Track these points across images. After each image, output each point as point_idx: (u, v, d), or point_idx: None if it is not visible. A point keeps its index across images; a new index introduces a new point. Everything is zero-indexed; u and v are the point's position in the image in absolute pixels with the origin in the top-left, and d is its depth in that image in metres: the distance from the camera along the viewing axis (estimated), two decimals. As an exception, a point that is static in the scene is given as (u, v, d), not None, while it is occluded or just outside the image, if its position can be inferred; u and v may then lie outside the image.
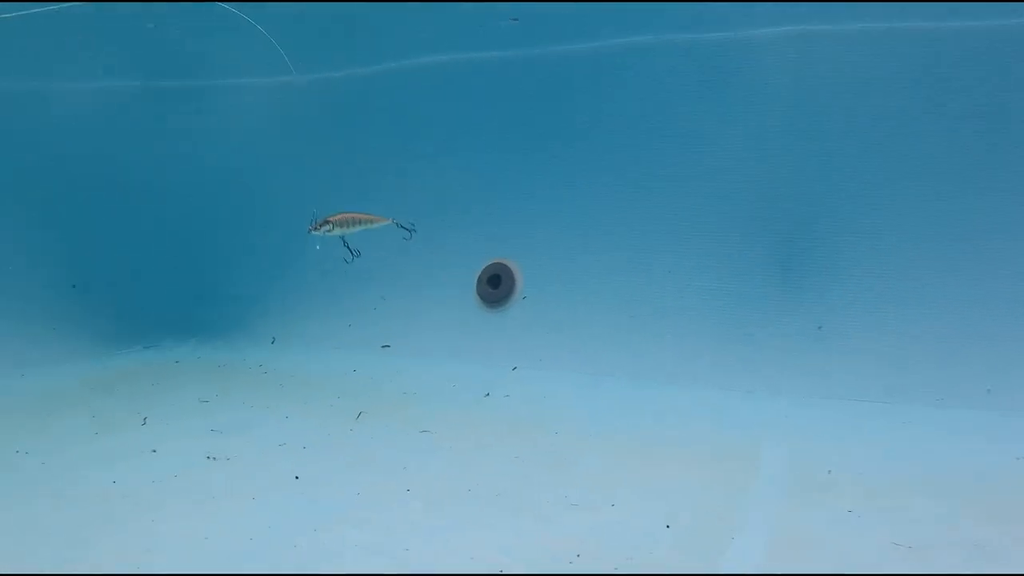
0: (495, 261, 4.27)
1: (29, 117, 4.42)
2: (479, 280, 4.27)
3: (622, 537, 2.38)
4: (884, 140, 3.60)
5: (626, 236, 4.06)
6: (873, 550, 2.29)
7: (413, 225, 2.57)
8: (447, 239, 4.40)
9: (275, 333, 4.59)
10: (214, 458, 3.10)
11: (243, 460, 3.10)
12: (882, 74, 3.60)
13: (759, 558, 2.27)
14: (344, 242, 2.44)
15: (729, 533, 2.40)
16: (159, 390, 4.02)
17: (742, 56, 3.83)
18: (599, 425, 3.38)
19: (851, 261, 3.64)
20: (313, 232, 2.42)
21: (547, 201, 4.21)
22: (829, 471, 2.81)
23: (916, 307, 3.50)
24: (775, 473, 2.85)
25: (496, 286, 4.22)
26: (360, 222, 2.45)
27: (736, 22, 3.82)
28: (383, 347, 4.30)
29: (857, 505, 2.55)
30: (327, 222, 2.44)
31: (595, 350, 3.96)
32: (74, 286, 4.46)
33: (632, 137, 4.05)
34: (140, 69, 4.56)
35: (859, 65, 3.64)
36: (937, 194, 3.52)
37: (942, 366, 3.39)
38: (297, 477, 2.88)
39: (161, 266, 4.69)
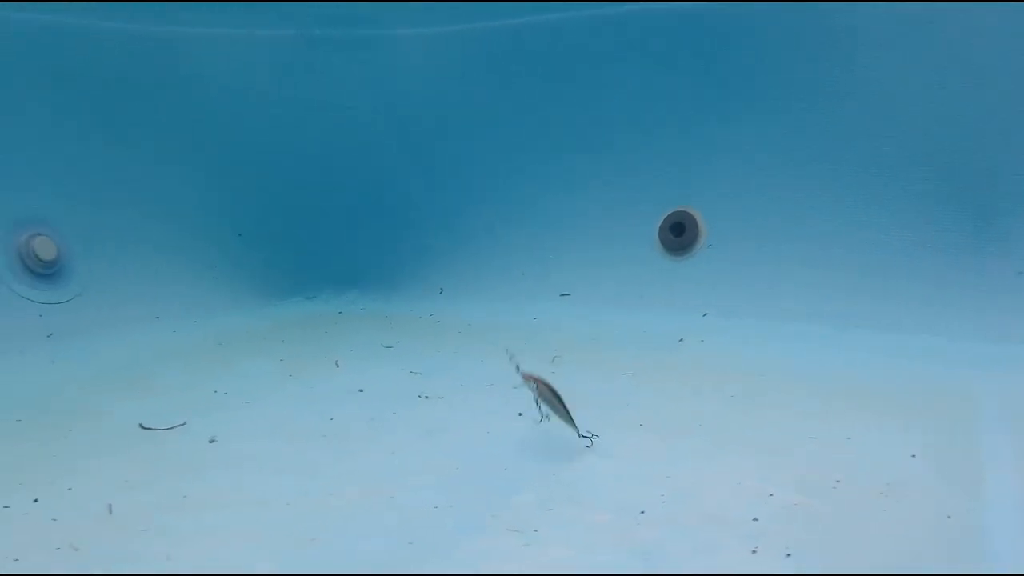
0: (678, 209, 4.06)
1: (191, 65, 4.32)
2: (661, 227, 4.08)
3: (874, 466, 2.26)
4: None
5: (816, 188, 3.86)
6: None
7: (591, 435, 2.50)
8: (625, 185, 4.23)
9: (442, 284, 4.42)
10: (427, 396, 2.98)
11: (457, 399, 2.98)
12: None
13: (1019, 481, 2.14)
14: (537, 404, 2.36)
15: (976, 461, 2.27)
16: (332, 337, 3.93)
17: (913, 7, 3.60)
18: (804, 368, 3.21)
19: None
20: (520, 374, 2.34)
21: (733, 148, 4.02)
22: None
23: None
24: (995, 410, 2.70)
25: (679, 234, 4.04)
26: (554, 408, 2.38)
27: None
28: (562, 295, 4.13)
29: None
30: (536, 380, 2.38)
31: (788, 298, 3.77)
32: (240, 235, 4.34)
33: (818, 90, 3.85)
34: (294, 17, 4.40)
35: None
36: None
37: None
38: (520, 414, 2.72)
39: (323, 216, 4.56)
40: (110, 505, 2.11)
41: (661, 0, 4.02)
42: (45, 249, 3.72)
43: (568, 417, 2.40)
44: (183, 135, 4.32)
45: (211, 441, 2.58)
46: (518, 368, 2.42)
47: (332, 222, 4.63)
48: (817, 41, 3.83)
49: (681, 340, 3.62)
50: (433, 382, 3.15)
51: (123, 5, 4.01)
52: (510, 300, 4.26)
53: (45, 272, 3.72)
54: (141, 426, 2.72)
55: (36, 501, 2.14)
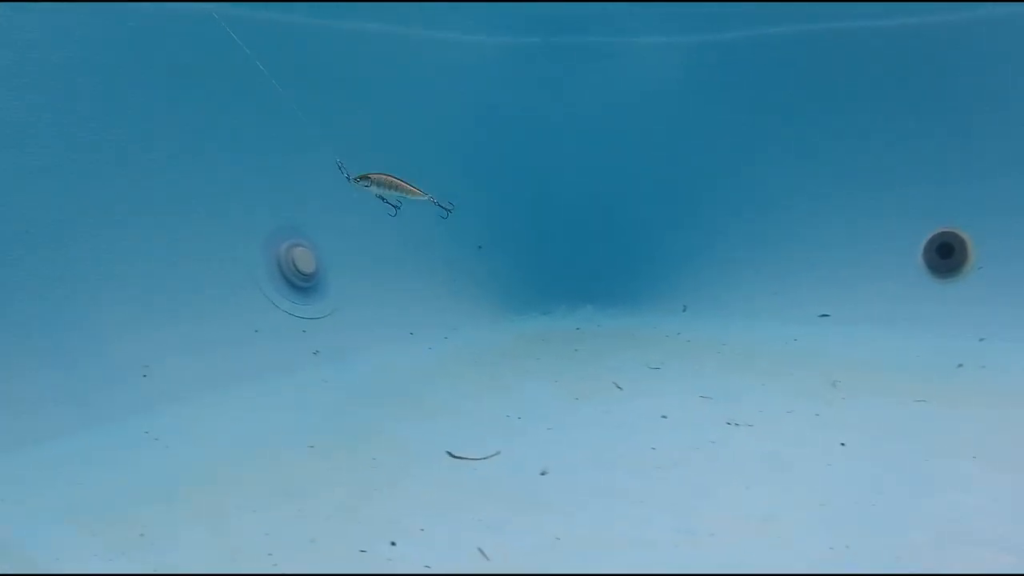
0: (944, 229, 3.92)
1: (422, 73, 4.26)
2: (926, 248, 3.96)
3: None
4: None
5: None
6: None
7: (451, 204, 2.66)
8: (886, 203, 4.10)
9: (686, 301, 4.31)
10: (736, 424, 2.90)
11: (768, 427, 2.89)
12: None
13: None
14: (383, 200, 2.56)
15: None
16: (588, 357, 3.90)
17: None
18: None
19: None
20: (352, 180, 2.57)
21: (1004, 166, 3.85)
22: None
23: None
24: None
25: (947, 255, 3.90)
26: (398, 188, 2.55)
27: None
28: (821, 316, 3.98)
29: None
30: (367, 177, 2.55)
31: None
32: (480, 247, 4.29)
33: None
34: (541, 24, 4.32)
35: None
36: None
37: None
38: (843, 444, 2.66)
39: (560, 229, 4.48)
40: (481, 548, 2.03)
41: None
42: (305, 261, 3.71)
43: (419, 192, 2.53)
44: (422, 143, 4.25)
45: (543, 473, 2.51)
46: (349, 176, 2.55)
47: (569, 235, 4.55)
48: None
49: (960, 366, 3.46)
50: (730, 408, 3.06)
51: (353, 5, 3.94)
52: (763, 320, 4.15)
53: (304, 285, 3.73)
54: (450, 454, 2.65)
55: (394, 545, 2.05)
